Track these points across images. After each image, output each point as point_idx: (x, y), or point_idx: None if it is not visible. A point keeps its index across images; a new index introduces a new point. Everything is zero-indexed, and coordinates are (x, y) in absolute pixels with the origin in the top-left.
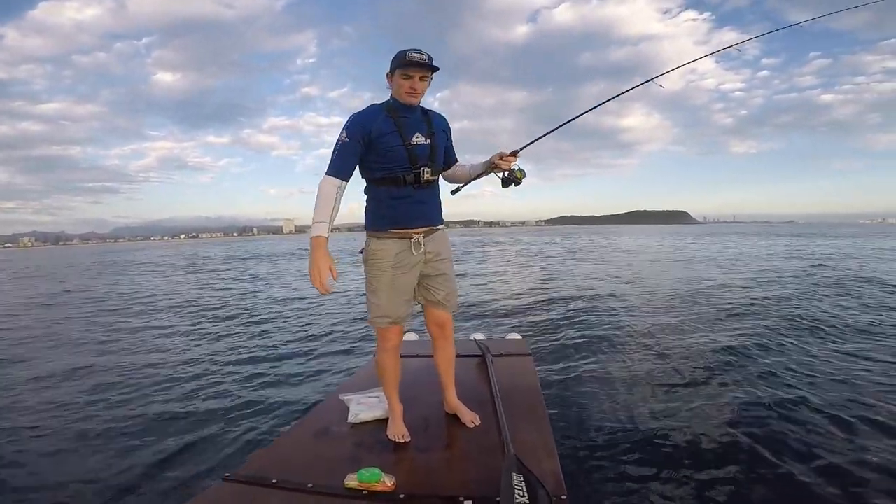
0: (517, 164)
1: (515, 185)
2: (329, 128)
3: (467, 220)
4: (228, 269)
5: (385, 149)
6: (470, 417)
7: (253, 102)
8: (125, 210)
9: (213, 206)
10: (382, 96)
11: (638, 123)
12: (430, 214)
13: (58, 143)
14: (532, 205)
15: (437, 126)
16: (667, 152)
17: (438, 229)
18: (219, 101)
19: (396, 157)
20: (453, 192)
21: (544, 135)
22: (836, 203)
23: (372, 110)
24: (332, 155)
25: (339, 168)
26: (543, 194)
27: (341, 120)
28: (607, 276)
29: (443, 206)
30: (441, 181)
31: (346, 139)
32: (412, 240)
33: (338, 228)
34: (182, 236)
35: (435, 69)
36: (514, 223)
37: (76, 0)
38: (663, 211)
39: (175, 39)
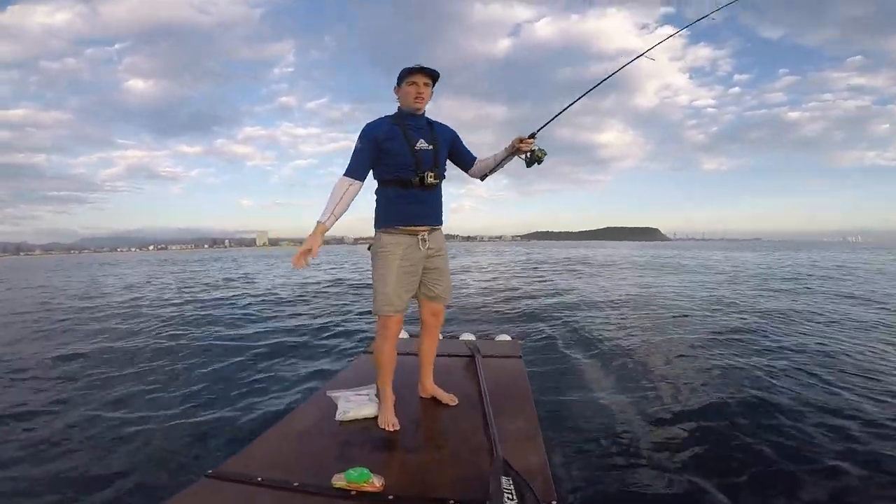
0: (536, 144)
1: (538, 164)
2: (307, 139)
3: (445, 235)
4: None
5: (392, 152)
6: (448, 398)
7: (228, 111)
8: (92, 220)
9: (185, 217)
10: (360, 108)
11: (614, 139)
12: (434, 214)
13: (22, 151)
14: (509, 220)
15: (439, 134)
16: (640, 168)
17: (438, 228)
18: (193, 110)
19: (403, 161)
20: (482, 178)
21: (558, 114)
22: (803, 220)
23: (381, 120)
24: (350, 159)
25: (352, 169)
26: (520, 209)
27: (319, 131)
28: (594, 284)
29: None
30: (465, 178)
31: (359, 146)
32: (418, 236)
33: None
34: (151, 247)
35: (437, 76)
36: (491, 238)
37: (47, 4)
38: (635, 227)
39: (148, 46)
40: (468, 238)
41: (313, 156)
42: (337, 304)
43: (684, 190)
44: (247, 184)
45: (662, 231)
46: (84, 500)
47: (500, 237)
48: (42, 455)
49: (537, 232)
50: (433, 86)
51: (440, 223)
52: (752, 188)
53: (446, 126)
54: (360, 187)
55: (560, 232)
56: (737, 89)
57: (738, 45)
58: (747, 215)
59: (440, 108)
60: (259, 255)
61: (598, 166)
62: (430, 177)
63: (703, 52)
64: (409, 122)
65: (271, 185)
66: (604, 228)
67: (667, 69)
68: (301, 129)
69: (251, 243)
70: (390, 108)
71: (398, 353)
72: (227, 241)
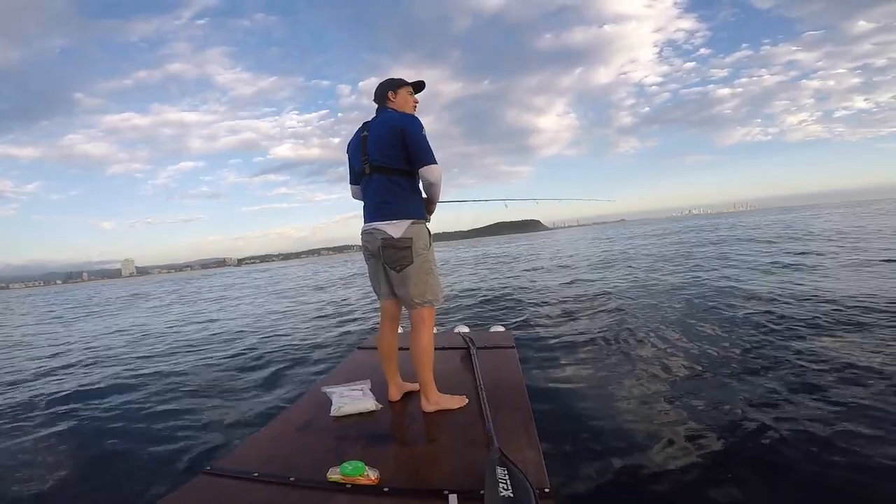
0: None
1: None
2: (197, 128)
3: (340, 246)
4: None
5: None
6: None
7: (82, 88)
8: None
9: (22, 248)
10: (292, 84)
11: (552, 124)
12: None
13: None
14: None
15: None
16: (560, 157)
17: None
18: (23, 88)
19: None
20: None
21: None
22: (674, 198)
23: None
24: (429, 146)
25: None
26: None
27: (213, 118)
28: (581, 271)
29: (310, 233)
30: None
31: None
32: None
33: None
34: None
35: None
36: None
37: None
38: (518, 221)
39: None
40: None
41: (201, 155)
42: (330, 304)
43: (591, 176)
44: (106, 199)
45: (543, 222)
46: (82, 496)
47: None
48: (38, 454)
49: (443, 232)
50: None
51: None
52: (645, 170)
53: None
54: None
55: (454, 232)
56: (692, 64)
57: (728, 16)
58: (632, 196)
59: (382, 77)
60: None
61: (521, 156)
62: None
63: (686, 24)
64: None
65: (140, 200)
66: (492, 225)
67: (645, 40)
68: (191, 113)
69: (116, 274)
70: (337, 85)
71: (399, 348)
72: (84, 273)
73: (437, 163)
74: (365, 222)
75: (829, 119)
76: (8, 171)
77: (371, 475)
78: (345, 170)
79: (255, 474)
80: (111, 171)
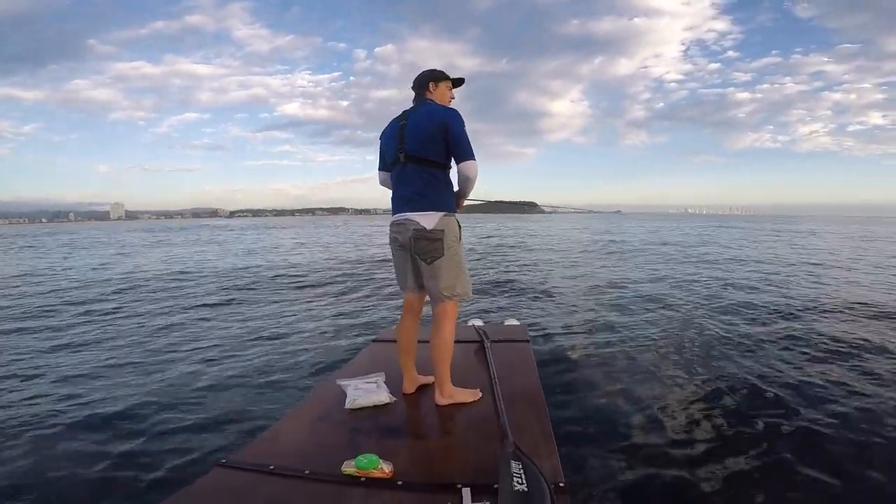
0: None
1: None
2: (208, 81)
3: (335, 208)
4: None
5: None
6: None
7: (96, 35)
8: None
9: (12, 185)
10: (310, 43)
11: (564, 109)
12: None
13: None
14: None
15: None
16: (568, 143)
17: None
18: (36, 34)
19: None
20: None
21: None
22: (674, 196)
23: None
24: (469, 141)
25: None
26: None
27: (226, 72)
28: (597, 263)
29: (308, 192)
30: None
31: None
32: None
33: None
34: None
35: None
36: (385, 211)
37: None
38: (515, 201)
39: None
40: (360, 212)
41: (208, 107)
42: (347, 294)
43: (596, 166)
44: (107, 143)
45: (539, 204)
46: (97, 489)
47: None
48: (52, 442)
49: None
50: None
51: None
52: (654, 165)
53: None
54: None
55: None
56: (716, 65)
57: (766, 21)
58: (632, 189)
59: (406, 51)
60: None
61: (529, 138)
62: None
63: (720, 25)
64: None
65: (141, 146)
66: (487, 202)
67: (674, 37)
68: (204, 65)
69: (104, 216)
70: (353, 49)
71: (420, 340)
72: (71, 213)
73: (475, 159)
74: (395, 213)
75: (842, 132)
76: (9, 113)
77: (385, 468)
78: (350, 132)
79: (271, 467)
80: (113, 116)
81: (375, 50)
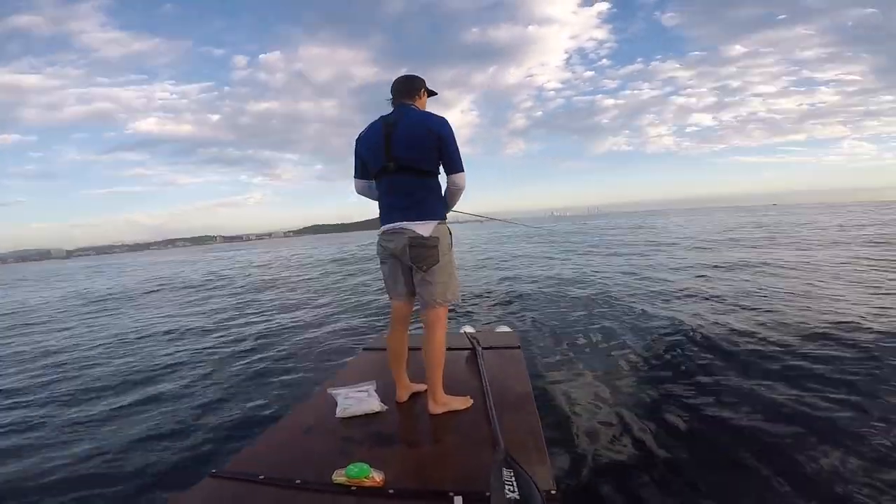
0: None
1: None
2: (45, 91)
3: (200, 237)
4: None
5: None
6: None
7: None
8: None
9: None
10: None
11: (455, 119)
12: None
13: None
14: (277, 216)
15: None
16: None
17: None
18: None
19: None
20: None
21: None
22: (545, 200)
23: None
24: (459, 154)
25: None
26: (299, 203)
27: (58, 82)
28: (595, 268)
29: (168, 220)
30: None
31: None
32: None
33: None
34: None
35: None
36: (259, 236)
37: None
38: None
39: None
40: (230, 239)
41: (34, 127)
42: (336, 303)
43: (482, 176)
44: None
45: None
46: (88, 499)
47: (269, 235)
48: (45, 454)
49: (314, 226)
50: None
51: None
52: (527, 172)
53: None
54: None
55: (335, 224)
56: (591, 73)
57: (638, 30)
58: (512, 196)
59: (296, 59)
60: None
61: None
62: None
63: (600, 34)
64: None
65: None
66: (365, 221)
67: (559, 45)
68: (31, 76)
69: None
70: (233, 55)
71: (410, 348)
72: None
73: (464, 170)
74: (387, 222)
75: (681, 133)
76: None
77: (376, 477)
78: (218, 150)
79: (261, 477)
80: None
81: (260, 57)
